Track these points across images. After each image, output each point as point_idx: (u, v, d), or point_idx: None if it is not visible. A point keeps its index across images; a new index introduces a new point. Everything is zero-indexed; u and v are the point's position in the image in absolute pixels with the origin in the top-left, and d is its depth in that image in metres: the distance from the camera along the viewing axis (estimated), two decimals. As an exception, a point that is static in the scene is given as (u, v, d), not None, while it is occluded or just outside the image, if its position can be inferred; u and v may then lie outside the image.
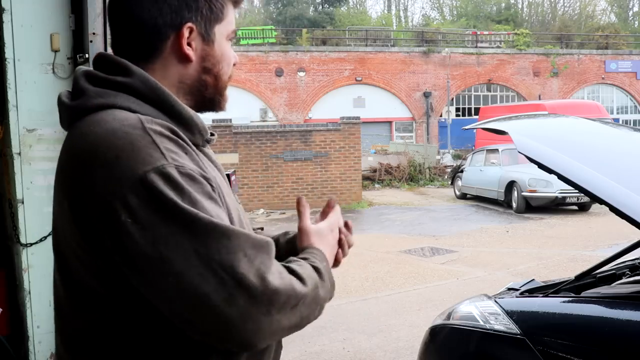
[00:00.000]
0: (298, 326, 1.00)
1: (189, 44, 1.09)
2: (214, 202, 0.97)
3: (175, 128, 1.02)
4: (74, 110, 1.05)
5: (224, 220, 0.95)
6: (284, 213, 14.22)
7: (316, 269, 1.06)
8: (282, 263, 1.02)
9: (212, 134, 1.16)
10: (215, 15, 1.11)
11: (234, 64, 1.18)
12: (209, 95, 1.15)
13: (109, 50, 1.17)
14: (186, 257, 0.90)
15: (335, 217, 1.22)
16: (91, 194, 0.94)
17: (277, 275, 0.94)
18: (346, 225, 1.25)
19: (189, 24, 1.08)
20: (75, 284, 1.04)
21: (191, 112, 1.08)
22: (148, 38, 1.08)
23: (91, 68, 1.10)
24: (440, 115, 30.76)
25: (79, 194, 0.97)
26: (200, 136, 1.10)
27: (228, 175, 1.19)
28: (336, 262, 1.23)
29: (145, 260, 0.91)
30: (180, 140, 1.00)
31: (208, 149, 1.16)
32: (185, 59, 1.10)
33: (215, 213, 0.94)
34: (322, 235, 1.16)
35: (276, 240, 1.32)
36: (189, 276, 0.89)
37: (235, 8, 1.17)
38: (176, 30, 1.08)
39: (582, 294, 2.54)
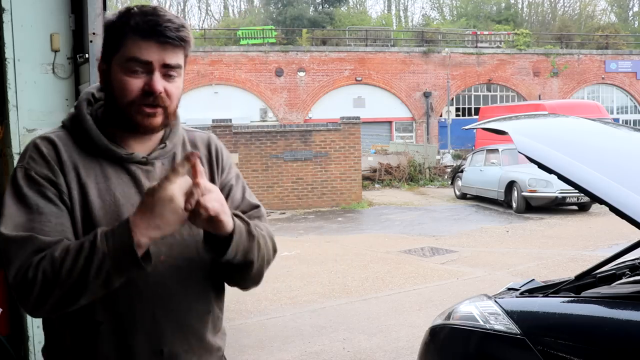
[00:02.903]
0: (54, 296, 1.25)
1: (100, 75, 1.41)
2: (42, 197, 1.31)
3: (61, 144, 1.37)
4: None
5: (36, 211, 1.29)
6: (284, 213, 14.22)
7: (82, 241, 1.26)
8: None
9: (132, 153, 1.40)
10: (110, 49, 1.36)
11: (147, 91, 1.32)
12: (117, 115, 1.38)
13: None
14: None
15: (170, 172, 1.22)
16: None
17: (12, 271, 1.26)
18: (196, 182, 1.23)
19: (100, 60, 1.40)
20: None
21: (92, 134, 1.38)
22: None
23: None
24: (440, 115, 30.76)
25: None
26: (104, 152, 1.38)
27: None
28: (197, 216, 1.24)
29: None
30: (46, 153, 1.35)
31: (141, 167, 1.41)
32: (101, 87, 1.44)
33: (34, 203, 1.30)
34: (143, 200, 1.24)
35: None
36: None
37: (152, 39, 1.31)
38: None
39: (582, 294, 2.54)
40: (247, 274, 1.43)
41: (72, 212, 1.33)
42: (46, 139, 1.38)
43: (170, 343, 1.40)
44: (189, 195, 1.21)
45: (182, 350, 1.42)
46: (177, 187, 1.20)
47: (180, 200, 1.20)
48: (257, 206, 1.55)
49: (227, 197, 1.47)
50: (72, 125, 1.41)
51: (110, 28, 1.36)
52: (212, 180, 1.49)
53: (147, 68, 1.32)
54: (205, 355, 1.48)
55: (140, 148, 1.42)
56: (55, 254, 1.24)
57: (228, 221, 1.27)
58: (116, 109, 1.36)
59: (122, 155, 1.39)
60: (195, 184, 1.22)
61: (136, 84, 1.32)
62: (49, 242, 1.26)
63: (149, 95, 1.32)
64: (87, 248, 1.23)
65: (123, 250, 1.21)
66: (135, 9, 1.34)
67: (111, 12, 1.43)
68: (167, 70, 1.34)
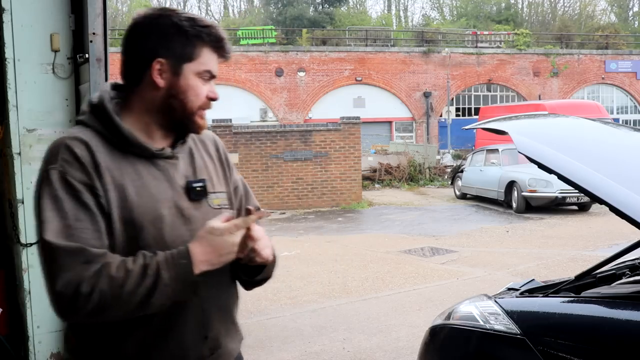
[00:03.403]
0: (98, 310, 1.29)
1: (160, 74, 1.42)
2: (79, 203, 1.32)
3: (93, 144, 1.38)
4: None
5: (74, 218, 1.31)
6: (284, 213, 14.22)
7: (145, 265, 1.31)
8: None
9: (163, 148, 1.47)
10: (185, 55, 1.43)
11: (211, 98, 1.48)
12: (174, 117, 1.46)
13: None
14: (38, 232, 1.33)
15: (240, 221, 1.37)
16: None
17: (60, 280, 1.27)
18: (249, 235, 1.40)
19: (159, 59, 1.42)
20: None
21: (124, 130, 1.41)
22: (132, 67, 1.46)
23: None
24: (440, 115, 30.75)
25: None
26: (137, 148, 1.42)
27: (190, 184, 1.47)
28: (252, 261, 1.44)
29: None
30: (80, 155, 1.35)
31: (168, 162, 1.46)
32: (155, 85, 1.43)
33: (72, 210, 1.31)
34: (207, 235, 1.35)
35: None
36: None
37: (219, 57, 1.48)
38: (150, 64, 1.42)
39: (582, 294, 2.54)
40: (259, 284, 1.61)
41: (110, 214, 1.35)
42: (77, 139, 1.38)
43: (215, 328, 1.50)
44: (244, 240, 1.38)
45: (222, 333, 1.53)
46: (240, 234, 1.37)
47: (237, 246, 1.37)
48: (259, 209, 1.62)
49: (241, 197, 1.64)
50: (99, 123, 1.42)
51: (181, 33, 1.42)
52: (224, 178, 1.60)
53: (211, 78, 1.48)
54: (235, 337, 1.60)
55: (163, 143, 1.49)
56: (111, 272, 1.28)
57: (270, 257, 1.46)
58: (180, 110, 1.44)
59: (153, 151, 1.44)
60: (250, 236, 1.38)
61: (204, 90, 1.46)
62: (96, 254, 1.30)
63: (211, 101, 1.49)
64: (151, 276, 1.29)
65: (184, 282, 1.32)
66: (204, 21, 1.46)
67: (160, 10, 1.46)
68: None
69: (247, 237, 1.38)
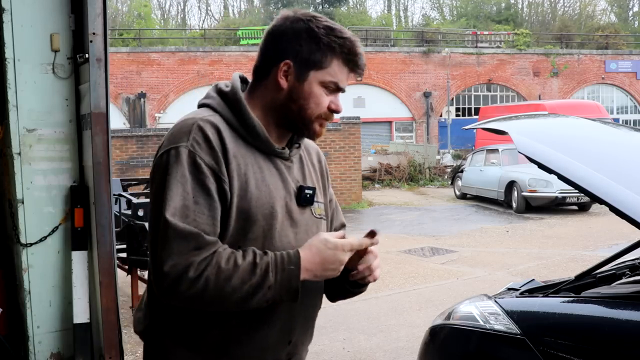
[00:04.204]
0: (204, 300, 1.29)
1: (285, 76, 1.43)
2: (202, 187, 1.32)
3: (222, 129, 1.38)
4: (197, 105, 1.51)
5: (193, 200, 1.30)
6: (284, 213, 14.21)
7: (254, 263, 1.31)
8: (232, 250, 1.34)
9: (284, 148, 1.49)
10: (312, 62, 1.42)
11: (333, 110, 1.47)
12: (291, 119, 1.46)
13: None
14: (152, 209, 1.36)
15: (356, 242, 1.38)
16: None
17: (170, 261, 1.27)
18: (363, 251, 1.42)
19: (287, 61, 1.42)
20: None
21: (256, 123, 1.42)
22: (264, 64, 1.46)
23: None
24: (440, 115, 30.75)
25: None
26: (261, 143, 1.43)
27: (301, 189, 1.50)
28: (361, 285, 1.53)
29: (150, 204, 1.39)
30: (212, 139, 1.35)
31: (284, 162, 1.48)
32: (278, 85, 1.44)
33: (193, 191, 1.31)
34: (319, 246, 1.35)
35: None
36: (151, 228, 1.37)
37: (350, 71, 1.46)
38: (278, 63, 1.43)
39: (582, 294, 2.54)
40: (349, 297, 1.63)
41: (230, 201, 1.35)
42: (209, 122, 1.38)
43: (298, 334, 1.51)
44: (359, 257, 1.41)
45: (300, 341, 1.54)
46: (350, 254, 1.37)
47: (343, 265, 1.37)
48: (344, 225, 1.72)
49: (332, 210, 1.71)
50: (229, 111, 1.43)
51: (313, 40, 1.41)
52: (323, 189, 1.65)
53: (337, 90, 1.47)
54: (308, 346, 1.63)
55: (279, 143, 1.50)
56: (222, 263, 1.28)
57: (378, 277, 1.49)
58: (299, 115, 1.44)
59: (275, 149, 1.46)
60: (370, 252, 1.43)
61: (327, 100, 1.46)
62: (208, 241, 1.29)
63: (333, 113, 1.48)
64: (259, 276, 1.29)
65: (289, 289, 1.32)
66: (343, 32, 1.44)
67: (302, 14, 1.46)
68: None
69: (365, 254, 1.42)
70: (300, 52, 1.41)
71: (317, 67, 1.42)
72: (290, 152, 1.50)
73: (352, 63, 1.45)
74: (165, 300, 1.33)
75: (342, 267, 1.37)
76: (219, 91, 1.48)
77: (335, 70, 1.44)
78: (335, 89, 1.46)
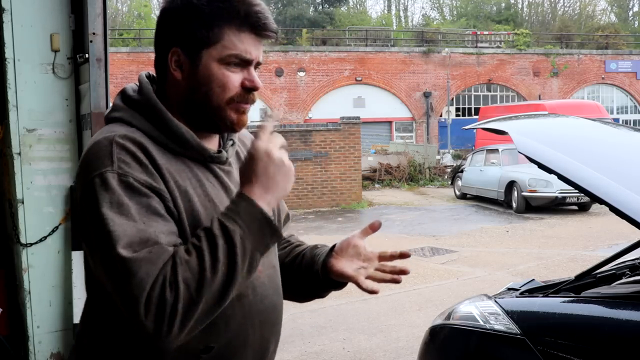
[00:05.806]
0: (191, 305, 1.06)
1: (178, 66, 1.21)
2: (147, 209, 1.09)
3: (147, 144, 1.15)
4: (105, 120, 1.27)
5: (144, 228, 1.07)
6: (284, 213, 14.21)
7: (209, 231, 1.09)
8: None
9: (220, 151, 1.28)
10: (200, 40, 1.18)
11: (248, 88, 1.22)
12: (202, 114, 1.23)
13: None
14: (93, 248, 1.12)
15: (266, 126, 1.18)
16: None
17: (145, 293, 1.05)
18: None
19: (174, 49, 1.20)
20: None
21: (183, 129, 1.20)
22: (158, 57, 1.25)
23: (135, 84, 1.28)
24: (440, 115, 30.76)
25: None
26: (194, 151, 1.22)
27: None
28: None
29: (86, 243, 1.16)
30: (139, 154, 1.13)
31: (221, 168, 1.27)
32: (175, 79, 1.22)
33: (141, 216, 1.07)
34: (249, 167, 1.15)
35: (300, 253, 1.51)
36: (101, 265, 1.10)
37: (256, 35, 1.21)
38: (167, 54, 1.22)
39: (582, 294, 2.54)
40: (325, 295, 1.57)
41: (180, 222, 1.14)
42: (128, 138, 1.14)
43: (270, 354, 1.37)
44: (384, 262, 1.44)
45: (272, 353, 1.39)
46: (279, 148, 1.16)
47: (288, 162, 1.16)
48: (288, 215, 1.54)
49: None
50: (148, 123, 1.20)
51: (195, 13, 1.18)
52: None
53: (246, 64, 1.21)
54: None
55: (212, 145, 1.29)
56: (184, 257, 1.06)
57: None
58: (206, 106, 1.21)
59: (211, 154, 1.25)
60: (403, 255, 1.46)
61: (235, 79, 1.20)
62: (170, 251, 1.09)
63: (249, 92, 1.22)
64: (221, 236, 1.07)
65: (259, 222, 1.11)
66: None
67: None
68: (256, 66, 1.25)
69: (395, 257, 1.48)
70: (183, 33, 1.19)
71: (207, 43, 1.18)
72: (227, 153, 1.29)
73: (251, 25, 1.19)
74: (170, 344, 1.06)
75: (288, 168, 1.16)
76: (127, 99, 1.24)
77: (233, 41, 1.18)
78: (241, 62, 1.20)
